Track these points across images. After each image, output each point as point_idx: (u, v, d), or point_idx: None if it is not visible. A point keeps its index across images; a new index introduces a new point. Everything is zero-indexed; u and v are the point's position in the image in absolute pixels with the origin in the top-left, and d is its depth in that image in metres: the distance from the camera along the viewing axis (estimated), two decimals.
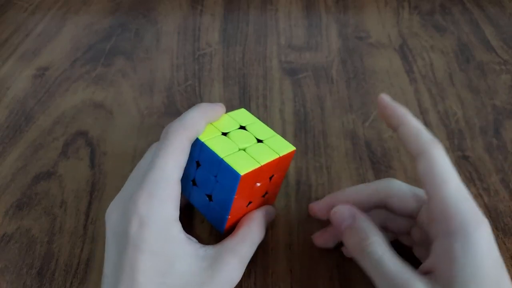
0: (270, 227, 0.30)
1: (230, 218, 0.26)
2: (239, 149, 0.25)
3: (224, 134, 0.26)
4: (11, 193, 0.32)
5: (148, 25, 0.49)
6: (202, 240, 0.26)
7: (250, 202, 0.27)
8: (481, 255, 0.20)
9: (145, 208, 0.22)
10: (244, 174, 0.23)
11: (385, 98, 0.25)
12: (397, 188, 0.26)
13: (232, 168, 0.23)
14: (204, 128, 0.25)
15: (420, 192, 0.26)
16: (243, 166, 0.24)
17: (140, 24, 0.49)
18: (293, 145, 0.36)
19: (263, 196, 0.28)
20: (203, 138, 0.25)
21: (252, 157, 0.25)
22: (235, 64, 0.44)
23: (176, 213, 0.23)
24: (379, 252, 0.22)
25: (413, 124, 0.24)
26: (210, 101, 0.39)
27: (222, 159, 0.24)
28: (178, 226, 0.23)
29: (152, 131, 0.37)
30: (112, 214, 0.24)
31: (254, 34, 0.48)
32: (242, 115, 0.28)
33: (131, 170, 0.33)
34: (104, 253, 0.28)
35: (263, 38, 0.47)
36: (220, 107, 0.27)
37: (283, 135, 0.36)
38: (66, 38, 0.47)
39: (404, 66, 0.44)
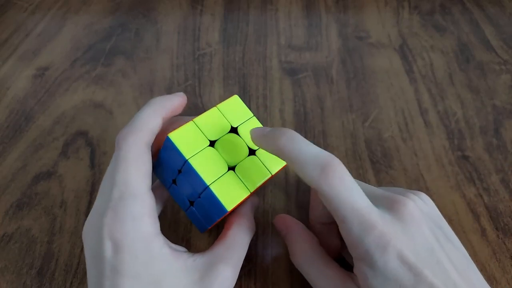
0: (270, 227, 0.30)
1: (212, 226, 0.25)
2: (228, 169, 0.23)
3: (212, 142, 0.23)
4: (11, 193, 0.32)
5: (148, 25, 0.49)
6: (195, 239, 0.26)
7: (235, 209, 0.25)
8: (391, 277, 0.20)
9: (118, 231, 0.20)
10: (231, 208, 0.22)
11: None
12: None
13: (219, 201, 0.21)
14: (161, 125, 0.23)
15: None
16: (230, 197, 0.22)
17: (140, 24, 0.49)
18: None
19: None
20: (187, 154, 0.22)
21: (242, 181, 0.22)
22: (235, 64, 0.44)
23: (155, 227, 0.21)
24: (306, 266, 0.24)
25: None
26: (210, 101, 0.40)
27: (208, 186, 0.22)
28: (159, 241, 0.21)
29: None
30: (87, 236, 0.22)
31: (254, 34, 0.48)
32: (235, 108, 0.25)
33: None
34: None
35: (263, 38, 0.47)
36: (178, 97, 0.24)
37: None
38: (66, 38, 0.47)
39: (404, 66, 0.44)
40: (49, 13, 0.51)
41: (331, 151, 0.35)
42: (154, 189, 0.26)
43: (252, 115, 0.25)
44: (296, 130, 0.37)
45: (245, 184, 0.23)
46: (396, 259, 0.20)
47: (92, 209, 0.23)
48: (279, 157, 0.22)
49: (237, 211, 0.25)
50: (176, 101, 0.24)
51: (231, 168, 0.23)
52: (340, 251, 0.27)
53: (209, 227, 0.25)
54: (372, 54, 0.45)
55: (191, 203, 0.24)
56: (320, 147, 0.35)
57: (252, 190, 0.23)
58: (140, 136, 0.22)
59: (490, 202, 0.32)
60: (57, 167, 0.34)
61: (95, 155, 0.35)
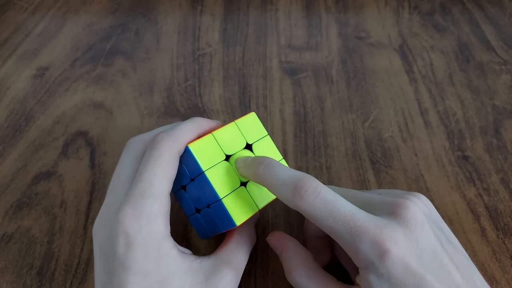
0: (270, 227, 0.30)
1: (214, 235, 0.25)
2: (241, 184, 0.24)
3: (227, 156, 0.24)
4: (11, 193, 0.32)
5: (148, 25, 0.49)
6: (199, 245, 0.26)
7: None
8: (395, 283, 0.20)
9: (132, 227, 0.21)
10: (240, 224, 0.23)
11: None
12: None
13: (229, 215, 0.22)
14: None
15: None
16: (240, 213, 0.23)
17: (140, 24, 0.49)
18: (293, 145, 0.36)
19: None
20: (204, 166, 0.23)
21: (252, 197, 0.23)
22: (235, 64, 0.44)
23: (167, 229, 0.22)
24: (303, 283, 0.23)
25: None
26: (210, 101, 0.40)
27: (221, 200, 0.22)
28: (169, 242, 0.22)
29: None
30: (98, 231, 0.22)
31: (254, 34, 0.48)
32: (251, 126, 0.26)
33: None
34: None
35: (263, 38, 0.47)
36: (215, 123, 0.26)
37: (283, 135, 0.36)
38: (66, 38, 0.47)
39: (404, 66, 0.44)
40: (49, 13, 0.51)
41: (331, 151, 0.35)
42: None
43: (267, 133, 0.26)
44: (296, 130, 0.37)
45: (255, 201, 0.24)
46: (399, 265, 0.20)
47: (104, 204, 0.23)
48: (260, 184, 0.23)
49: None
50: (212, 126, 0.25)
51: (243, 183, 0.24)
52: (340, 262, 0.27)
53: (211, 236, 0.25)
54: (372, 54, 0.45)
55: (198, 210, 0.25)
56: (320, 147, 0.35)
57: (260, 207, 0.24)
58: (176, 143, 0.23)
59: (490, 202, 0.32)
60: (57, 167, 0.34)
61: (95, 155, 0.35)
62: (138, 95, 0.40)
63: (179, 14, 0.51)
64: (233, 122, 0.25)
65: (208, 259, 0.23)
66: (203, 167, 0.23)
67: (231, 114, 0.38)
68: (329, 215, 0.21)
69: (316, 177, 0.33)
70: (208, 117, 0.38)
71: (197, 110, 0.39)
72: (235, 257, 0.24)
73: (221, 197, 0.23)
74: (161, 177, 0.22)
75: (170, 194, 0.23)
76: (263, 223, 0.30)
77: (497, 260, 0.28)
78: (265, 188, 0.24)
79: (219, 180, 0.23)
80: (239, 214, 0.23)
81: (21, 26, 0.49)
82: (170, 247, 0.22)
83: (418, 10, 0.52)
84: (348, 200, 0.22)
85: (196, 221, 0.26)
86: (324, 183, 0.32)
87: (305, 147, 0.35)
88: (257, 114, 0.38)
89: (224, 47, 0.46)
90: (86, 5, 0.52)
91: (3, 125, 0.37)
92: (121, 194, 0.22)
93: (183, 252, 0.23)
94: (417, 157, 0.35)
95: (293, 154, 0.35)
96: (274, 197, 0.24)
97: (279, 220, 0.30)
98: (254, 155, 0.25)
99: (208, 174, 0.23)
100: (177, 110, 0.39)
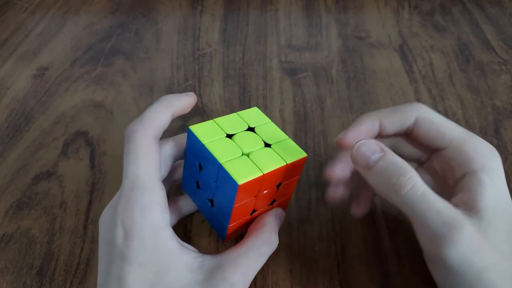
0: None
1: (232, 227, 0.25)
2: (242, 154, 0.23)
3: (229, 136, 0.24)
4: (11, 193, 0.32)
5: (148, 25, 0.49)
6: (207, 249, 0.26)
7: (254, 211, 0.25)
8: (503, 186, 0.22)
9: (128, 219, 0.21)
10: (243, 183, 0.22)
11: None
12: (427, 120, 0.25)
13: (230, 176, 0.22)
14: (169, 121, 0.24)
15: (446, 128, 0.25)
16: (242, 174, 0.22)
17: (140, 24, 0.49)
18: None
19: (271, 204, 0.26)
20: (204, 140, 0.23)
21: (255, 164, 0.23)
22: (235, 64, 0.44)
23: (163, 218, 0.22)
24: (421, 187, 0.21)
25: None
26: (210, 101, 0.40)
27: (221, 164, 0.22)
28: (167, 233, 0.22)
29: None
30: (103, 223, 0.23)
31: (254, 34, 0.48)
32: (254, 115, 0.26)
33: None
34: None
35: (263, 38, 0.47)
36: (188, 97, 0.25)
37: None
38: (66, 38, 0.47)
39: (404, 66, 0.44)
40: (49, 13, 0.51)
41: (331, 151, 0.35)
42: (171, 202, 0.27)
43: (270, 120, 0.26)
44: (296, 130, 0.37)
45: (259, 167, 0.23)
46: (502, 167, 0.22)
47: (113, 198, 0.24)
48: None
49: (262, 221, 0.25)
50: (186, 100, 0.25)
51: (245, 155, 0.24)
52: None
53: (229, 226, 0.24)
54: (372, 54, 0.45)
55: (211, 202, 0.25)
56: (320, 147, 0.35)
57: (264, 172, 0.22)
58: (148, 130, 0.23)
59: None
60: (57, 167, 0.34)
61: (95, 155, 0.35)
62: (138, 95, 0.40)
63: (179, 14, 0.51)
64: (234, 113, 0.26)
65: (212, 258, 0.22)
66: (203, 141, 0.23)
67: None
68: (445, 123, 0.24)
69: (316, 177, 0.33)
70: (208, 117, 0.38)
71: (197, 110, 0.39)
72: (244, 260, 0.22)
73: (221, 162, 0.22)
74: (144, 167, 0.22)
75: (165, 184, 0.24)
76: None
77: None
78: (272, 158, 0.23)
79: (219, 150, 0.23)
80: (241, 175, 0.22)
81: (21, 26, 0.49)
82: (167, 238, 0.22)
83: (418, 10, 0.52)
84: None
85: (213, 218, 0.26)
86: (324, 184, 0.33)
87: (305, 147, 0.35)
88: None
89: (224, 47, 0.46)
90: (86, 5, 0.52)
91: (3, 125, 0.37)
92: (121, 188, 0.23)
93: (185, 247, 0.22)
94: None
95: None
96: (281, 164, 0.23)
97: None
98: (257, 136, 0.25)
99: (209, 146, 0.23)
100: None
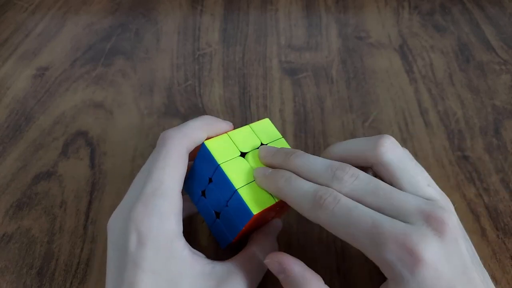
0: None
1: (235, 239, 0.25)
2: None
3: (243, 154, 0.24)
4: (11, 193, 0.32)
5: (148, 25, 0.49)
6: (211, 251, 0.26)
7: (257, 226, 0.26)
8: None
9: (144, 225, 0.21)
10: (257, 213, 0.22)
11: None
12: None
13: (246, 205, 0.22)
14: (203, 140, 0.24)
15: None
16: (257, 203, 0.22)
17: (140, 24, 0.49)
18: (293, 145, 0.36)
19: (272, 217, 0.27)
20: (220, 160, 0.23)
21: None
22: (235, 64, 0.44)
23: (179, 228, 0.22)
24: None
25: None
26: (210, 101, 0.39)
27: (236, 190, 0.22)
28: (181, 242, 0.22)
29: (152, 131, 0.37)
30: (113, 227, 0.23)
31: (254, 34, 0.48)
32: (265, 129, 0.26)
33: (131, 170, 0.33)
34: (104, 253, 0.28)
35: (263, 38, 0.47)
36: (226, 124, 0.25)
37: (283, 135, 0.36)
38: (66, 38, 0.47)
39: (404, 66, 0.44)
40: (49, 13, 0.51)
41: None
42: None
43: (281, 136, 0.27)
44: (296, 130, 0.37)
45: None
46: (431, 280, 0.18)
47: (121, 202, 0.23)
48: (280, 198, 0.23)
49: (261, 230, 0.26)
50: (223, 127, 0.25)
51: None
52: None
53: (232, 240, 0.25)
54: (372, 54, 0.45)
55: (217, 215, 0.25)
56: (320, 147, 0.35)
57: (277, 199, 0.23)
58: (184, 140, 0.23)
59: (490, 202, 0.32)
60: (57, 167, 0.34)
61: (95, 155, 0.35)
62: (138, 95, 0.40)
63: (179, 14, 0.51)
64: (247, 125, 0.26)
65: (222, 264, 0.23)
66: (219, 161, 0.23)
67: (231, 114, 0.38)
68: (350, 223, 0.20)
69: None
70: None
71: (197, 110, 0.39)
72: (252, 265, 0.23)
73: (236, 187, 0.22)
74: (170, 175, 0.22)
75: (183, 192, 0.23)
76: None
77: (497, 260, 0.28)
78: None
79: (234, 173, 0.23)
80: (255, 204, 0.22)
81: (21, 26, 0.49)
82: (181, 247, 0.22)
83: (418, 10, 0.52)
84: (379, 201, 0.20)
85: (217, 228, 0.26)
86: None
87: (305, 147, 0.35)
88: (257, 114, 0.38)
89: (224, 47, 0.46)
90: (86, 5, 0.52)
91: (3, 125, 0.37)
92: (137, 191, 0.22)
93: (196, 254, 0.23)
94: (417, 157, 0.35)
95: None
96: None
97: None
98: None
99: (224, 167, 0.23)
100: (177, 110, 0.39)
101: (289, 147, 0.26)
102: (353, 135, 0.36)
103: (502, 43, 0.46)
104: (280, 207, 0.26)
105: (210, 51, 0.46)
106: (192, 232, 0.30)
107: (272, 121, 0.38)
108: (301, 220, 0.30)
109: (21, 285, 0.27)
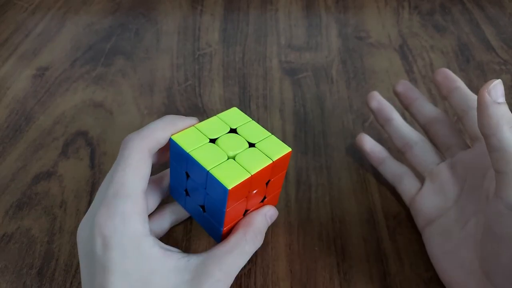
0: (270, 226, 0.30)
1: (226, 229, 0.25)
2: (228, 158, 0.23)
3: (212, 140, 0.24)
4: (11, 193, 0.32)
5: (148, 25, 0.49)
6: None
7: (246, 211, 0.26)
8: None
9: (107, 228, 0.21)
10: (233, 188, 0.22)
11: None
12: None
13: (219, 182, 0.22)
14: (167, 139, 0.24)
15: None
16: (231, 178, 0.22)
17: (140, 24, 0.49)
18: (293, 145, 0.36)
19: (262, 201, 0.26)
20: (188, 148, 0.23)
21: (242, 166, 0.23)
22: (235, 64, 0.44)
23: (144, 228, 0.22)
24: None
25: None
26: (210, 101, 0.40)
27: (208, 171, 0.22)
28: (149, 241, 0.22)
29: None
30: (81, 234, 0.23)
31: (254, 34, 0.48)
32: (234, 116, 0.26)
33: None
34: None
35: (263, 38, 0.47)
36: (190, 120, 0.25)
37: (283, 135, 0.36)
38: (66, 38, 0.47)
39: (404, 66, 0.44)
40: (49, 13, 0.51)
41: (331, 151, 0.35)
42: (161, 210, 0.27)
43: (251, 119, 0.26)
44: (296, 130, 0.37)
45: (246, 168, 0.23)
46: None
47: (89, 208, 0.23)
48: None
49: (248, 219, 0.25)
50: (188, 123, 0.25)
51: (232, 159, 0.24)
52: None
53: (222, 230, 0.25)
54: (372, 54, 0.45)
55: (203, 208, 0.25)
56: (320, 147, 0.35)
57: (252, 172, 0.23)
58: (145, 142, 0.23)
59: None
60: (57, 167, 0.34)
61: (95, 155, 0.35)
62: (138, 95, 0.40)
63: (179, 14, 0.51)
64: (214, 116, 0.26)
65: (198, 257, 0.23)
66: (187, 150, 0.23)
67: None
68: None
69: (316, 177, 0.33)
70: (208, 117, 0.38)
71: (197, 110, 0.39)
72: (228, 258, 0.23)
73: (208, 169, 0.22)
74: (132, 176, 0.22)
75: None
76: None
77: None
78: (257, 158, 0.23)
79: (205, 157, 0.23)
80: (229, 180, 0.22)
81: (21, 26, 0.49)
82: (150, 245, 0.22)
83: (418, 10, 0.52)
84: None
85: (206, 223, 0.25)
86: (324, 183, 0.33)
87: (305, 147, 0.35)
88: (257, 114, 0.38)
89: (224, 47, 0.46)
90: (86, 5, 0.52)
91: (3, 125, 0.37)
92: (101, 196, 0.22)
93: (168, 250, 0.23)
94: None
95: (293, 154, 0.35)
96: (267, 163, 0.23)
97: (279, 220, 0.30)
98: (240, 137, 0.25)
99: (193, 153, 0.23)
100: (177, 110, 0.39)
101: (260, 126, 0.26)
102: (353, 135, 0.36)
103: (502, 43, 0.46)
104: (265, 187, 0.25)
105: (210, 51, 0.46)
106: (192, 236, 0.30)
107: (272, 121, 0.38)
108: (301, 220, 0.30)
109: (21, 285, 0.27)
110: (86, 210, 0.31)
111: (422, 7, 0.52)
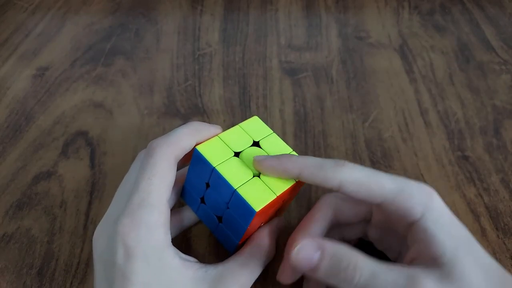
0: None
1: (241, 242, 0.25)
2: (253, 175, 0.23)
3: (236, 154, 0.24)
4: (11, 193, 0.32)
5: (148, 25, 0.49)
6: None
7: (261, 224, 0.26)
8: (451, 222, 0.22)
9: (131, 238, 0.20)
10: (260, 210, 0.22)
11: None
12: (352, 182, 0.22)
13: (247, 203, 0.22)
14: (192, 146, 0.24)
15: (374, 185, 0.22)
16: (258, 199, 0.22)
17: (140, 24, 0.49)
18: (293, 145, 0.36)
19: (275, 214, 0.27)
20: (214, 162, 0.23)
21: (268, 186, 0.23)
22: (235, 64, 0.44)
23: (167, 238, 0.22)
24: (368, 268, 0.20)
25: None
26: (210, 101, 0.40)
27: (235, 190, 0.22)
28: (171, 251, 0.22)
29: (152, 131, 0.37)
30: (98, 240, 0.22)
31: (254, 34, 0.48)
32: (255, 126, 0.26)
33: None
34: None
35: (263, 38, 0.47)
36: (215, 128, 0.25)
37: (283, 135, 0.36)
38: (66, 38, 0.47)
39: (404, 66, 0.44)
40: (49, 13, 0.51)
41: (331, 151, 0.35)
42: (172, 214, 0.26)
43: (272, 132, 0.26)
44: (296, 130, 0.37)
45: (271, 188, 0.23)
46: (439, 199, 0.22)
47: (106, 214, 0.23)
48: (293, 170, 0.23)
49: (260, 230, 0.25)
50: (213, 131, 0.25)
51: (256, 176, 0.24)
52: None
53: (239, 242, 0.25)
54: (372, 54, 0.45)
55: (219, 219, 0.25)
56: (320, 147, 0.35)
57: (278, 194, 0.23)
58: (172, 149, 0.23)
59: (490, 202, 0.32)
60: (57, 167, 0.34)
61: (95, 155, 0.35)
62: (138, 95, 0.40)
63: (179, 14, 0.51)
64: (237, 125, 0.26)
65: (215, 268, 0.23)
66: (213, 164, 0.23)
67: (231, 114, 0.38)
68: (372, 181, 0.22)
69: None
70: (208, 118, 0.38)
71: (197, 110, 0.39)
72: (243, 270, 0.23)
73: (235, 187, 0.22)
74: (158, 185, 0.22)
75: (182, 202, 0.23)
76: None
77: (497, 260, 0.28)
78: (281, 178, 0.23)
79: (231, 173, 0.23)
80: (256, 201, 0.22)
81: (21, 26, 0.49)
82: (171, 257, 0.21)
83: (418, 10, 0.52)
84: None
85: (221, 233, 0.25)
86: None
87: (305, 147, 0.35)
88: (257, 114, 0.38)
89: (224, 47, 0.46)
90: (86, 5, 0.52)
91: (3, 125, 0.37)
92: (122, 204, 0.22)
93: (187, 260, 0.23)
94: (417, 157, 0.35)
95: None
96: (291, 183, 0.23)
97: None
98: (263, 151, 0.25)
99: (219, 168, 0.23)
100: (177, 110, 0.39)
101: (282, 140, 0.26)
102: (353, 135, 0.36)
103: (502, 43, 0.46)
104: (282, 203, 0.25)
105: (210, 51, 0.46)
106: (192, 237, 0.30)
107: (272, 121, 0.38)
108: (301, 219, 0.30)
109: (21, 285, 0.27)
110: (86, 210, 0.31)
111: (422, 7, 0.52)
